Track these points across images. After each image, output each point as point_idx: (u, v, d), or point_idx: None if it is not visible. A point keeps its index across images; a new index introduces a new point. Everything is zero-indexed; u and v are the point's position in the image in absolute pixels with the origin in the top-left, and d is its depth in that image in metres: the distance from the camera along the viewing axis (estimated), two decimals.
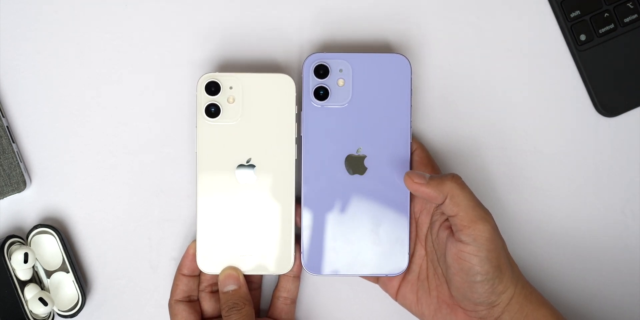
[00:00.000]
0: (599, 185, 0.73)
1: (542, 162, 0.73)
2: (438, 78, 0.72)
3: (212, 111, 0.67)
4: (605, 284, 0.73)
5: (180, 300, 0.68)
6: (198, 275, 0.69)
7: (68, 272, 0.70)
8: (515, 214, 0.72)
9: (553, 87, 0.73)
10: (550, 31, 0.73)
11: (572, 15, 0.72)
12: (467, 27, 0.72)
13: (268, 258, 0.68)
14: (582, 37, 0.72)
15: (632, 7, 0.72)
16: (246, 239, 0.67)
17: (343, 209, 0.67)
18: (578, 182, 0.73)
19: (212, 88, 0.67)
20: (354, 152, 0.67)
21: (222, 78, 0.67)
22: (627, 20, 0.72)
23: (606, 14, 0.72)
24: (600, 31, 0.72)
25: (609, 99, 0.72)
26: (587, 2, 0.72)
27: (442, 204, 0.63)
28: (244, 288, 0.67)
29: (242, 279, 0.67)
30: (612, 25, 0.72)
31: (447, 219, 0.65)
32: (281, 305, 0.70)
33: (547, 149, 0.73)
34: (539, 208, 0.72)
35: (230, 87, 0.67)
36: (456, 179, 0.63)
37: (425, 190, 0.63)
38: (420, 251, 0.68)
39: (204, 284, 0.69)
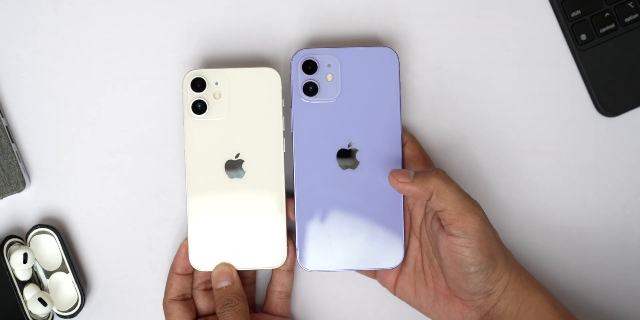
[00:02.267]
0: (599, 185, 0.73)
1: (542, 162, 0.72)
2: (438, 78, 0.72)
3: (199, 107, 0.67)
4: (605, 284, 0.72)
5: (174, 299, 0.68)
6: (191, 273, 0.69)
7: (67, 272, 0.70)
8: (515, 214, 0.72)
9: (553, 87, 0.73)
10: (550, 31, 0.73)
11: (573, 14, 0.72)
12: (467, 26, 0.72)
13: (260, 253, 0.67)
14: (583, 37, 0.72)
15: (632, 6, 0.72)
16: (238, 234, 0.67)
17: (337, 204, 0.67)
18: (578, 182, 0.73)
19: (198, 84, 0.67)
20: (345, 147, 0.67)
21: (208, 74, 0.67)
22: (627, 20, 0.72)
23: (607, 14, 0.72)
24: (600, 31, 0.72)
25: (609, 99, 0.72)
26: (587, 1, 0.72)
27: (429, 200, 0.63)
28: (238, 284, 0.67)
29: (235, 275, 0.67)
30: (612, 25, 0.72)
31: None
32: (276, 300, 0.70)
33: (547, 149, 0.72)
34: (538, 208, 0.72)
35: (216, 83, 0.67)
36: (440, 174, 0.63)
37: (411, 189, 0.63)
38: (414, 243, 0.68)
39: (197, 282, 0.69)
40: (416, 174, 0.63)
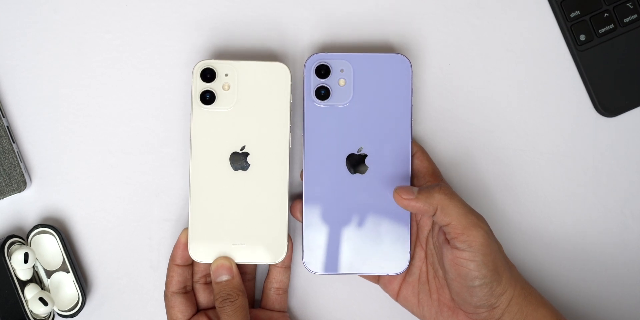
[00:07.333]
0: (598, 185, 0.73)
1: (541, 162, 0.73)
2: (438, 78, 0.72)
3: (207, 98, 0.67)
4: (605, 284, 0.73)
5: (176, 292, 0.68)
6: (191, 264, 0.69)
7: (68, 272, 0.70)
8: (515, 214, 0.72)
9: (553, 87, 0.73)
10: (550, 31, 0.73)
11: (572, 15, 0.72)
12: (467, 27, 0.72)
13: (261, 247, 0.67)
14: (582, 37, 0.72)
15: (631, 7, 0.72)
16: (238, 227, 0.67)
17: (344, 208, 0.67)
18: (578, 183, 0.73)
19: (208, 75, 0.67)
20: (355, 152, 0.68)
21: (218, 65, 0.67)
22: (626, 20, 0.72)
23: (606, 14, 0.72)
24: (600, 31, 0.72)
25: (608, 99, 0.72)
26: (587, 2, 0.72)
27: (433, 215, 0.63)
28: (237, 278, 0.66)
29: (235, 269, 0.66)
30: (611, 26, 0.72)
31: None
32: (274, 296, 0.70)
33: (547, 149, 0.73)
34: (538, 208, 0.72)
35: (226, 75, 0.67)
36: (444, 189, 0.63)
37: (415, 205, 0.63)
38: (420, 254, 0.68)
39: (198, 275, 0.69)
40: (420, 190, 0.63)
